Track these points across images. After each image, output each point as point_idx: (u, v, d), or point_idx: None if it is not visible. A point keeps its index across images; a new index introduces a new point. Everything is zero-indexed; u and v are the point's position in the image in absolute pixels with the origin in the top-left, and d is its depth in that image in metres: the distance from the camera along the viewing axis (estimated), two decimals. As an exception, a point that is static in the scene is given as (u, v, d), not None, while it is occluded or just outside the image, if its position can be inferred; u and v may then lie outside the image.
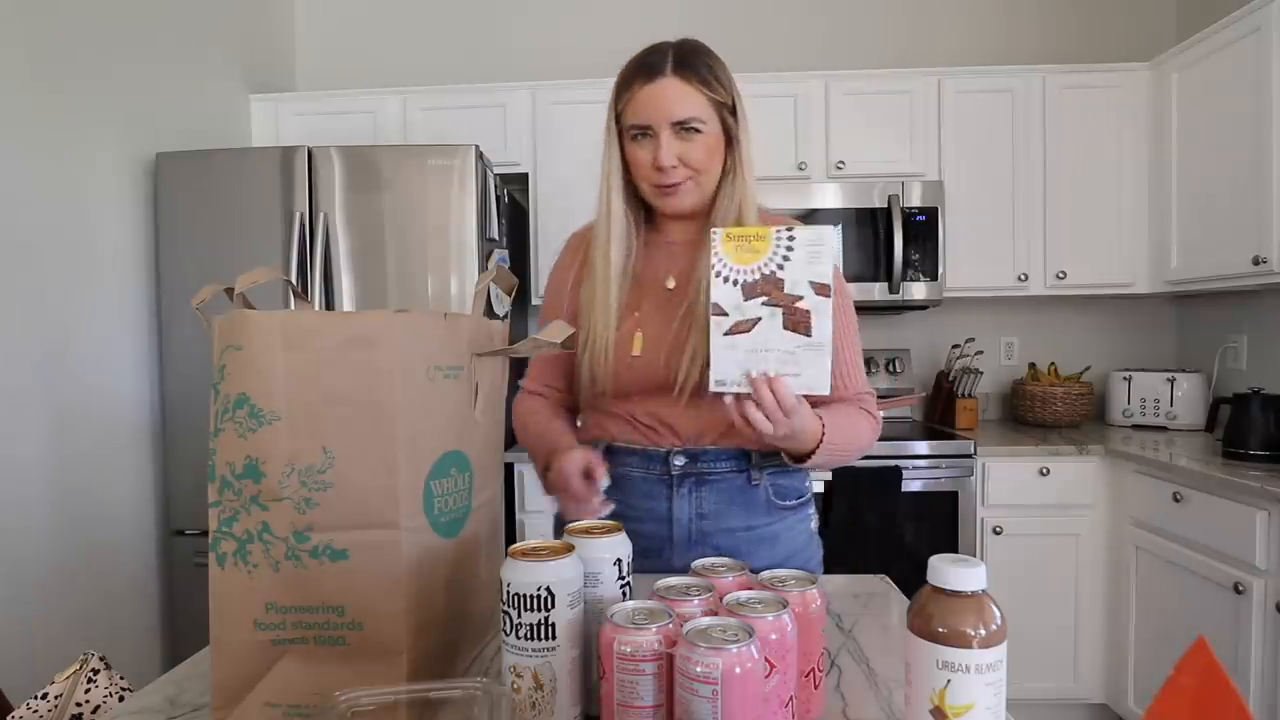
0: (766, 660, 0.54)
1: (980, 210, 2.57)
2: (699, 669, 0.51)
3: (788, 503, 1.11)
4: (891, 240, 2.45)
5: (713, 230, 0.90)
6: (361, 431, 0.63)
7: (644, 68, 1.02)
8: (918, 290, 2.49)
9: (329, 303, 2.14)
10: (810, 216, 2.46)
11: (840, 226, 2.47)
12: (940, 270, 2.49)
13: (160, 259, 2.17)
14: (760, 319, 0.88)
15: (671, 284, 1.08)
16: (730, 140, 1.06)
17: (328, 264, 2.14)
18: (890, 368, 2.76)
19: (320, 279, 2.12)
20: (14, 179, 1.75)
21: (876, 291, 2.49)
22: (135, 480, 2.12)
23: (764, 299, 0.88)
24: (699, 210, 1.09)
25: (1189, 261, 2.38)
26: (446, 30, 2.97)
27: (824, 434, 0.97)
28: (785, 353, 0.87)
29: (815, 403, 1.02)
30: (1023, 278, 2.58)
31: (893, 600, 0.97)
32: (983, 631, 0.51)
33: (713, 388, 0.90)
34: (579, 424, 1.16)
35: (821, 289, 0.87)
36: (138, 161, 2.14)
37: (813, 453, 0.98)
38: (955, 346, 2.77)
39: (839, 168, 2.57)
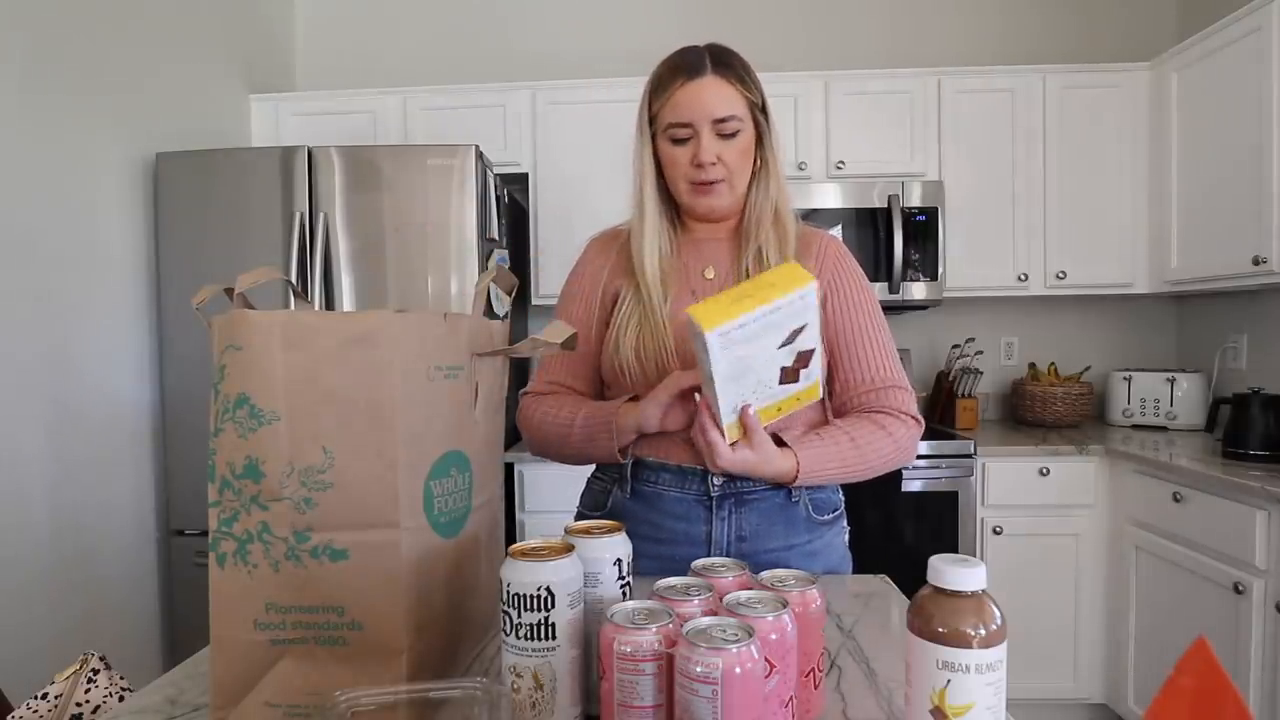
0: (766, 660, 0.54)
1: (980, 210, 2.57)
2: (699, 669, 0.51)
3: (825, 517, 1.09)
4: (891, 240, 2.45)
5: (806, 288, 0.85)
6: (361, 431, 0.63)
7: (683, 67, 1.01)
8: (918, 290, 2.49)
9: (329, 303, 2.14)
10: (810, 216, 2.45)
11: (840, 226, 2.48)
12: (940, 270, 2.49)
13: (160, 259, 2.16)
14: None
15: (710, 274, 1.07)
16: (760, 139, 1.06)
17: (328, 264, 2.14)
18: (890, 368, 2.76)
19: (320, 279, 2.12)
20: (14, 179, 1.75)
21: (876, 291, 2.48)
22: (135, 480, 2.12)
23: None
24: (729, 212, 1.08)
25: (1189, 261, 2.38)
26: (446, 30, 2.97)
27: (798, 465, 0.97)
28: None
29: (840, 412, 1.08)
30: (1023, 278, 2.57)
31: (893, 600, 0.97)
32: (983, 631, 0.51)
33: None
34: None
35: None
36: (138, 161, 2.14)
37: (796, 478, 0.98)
38: (955, 346, 2.77)
39: (839, 168, 2.57)
